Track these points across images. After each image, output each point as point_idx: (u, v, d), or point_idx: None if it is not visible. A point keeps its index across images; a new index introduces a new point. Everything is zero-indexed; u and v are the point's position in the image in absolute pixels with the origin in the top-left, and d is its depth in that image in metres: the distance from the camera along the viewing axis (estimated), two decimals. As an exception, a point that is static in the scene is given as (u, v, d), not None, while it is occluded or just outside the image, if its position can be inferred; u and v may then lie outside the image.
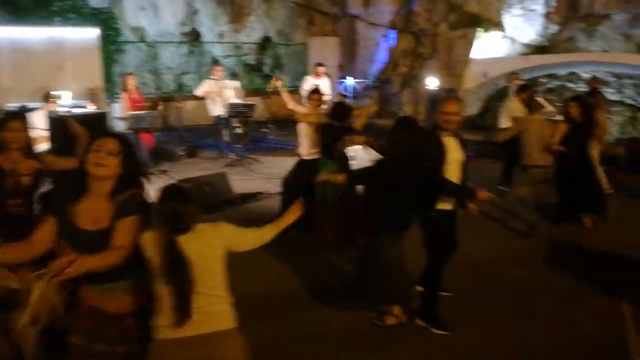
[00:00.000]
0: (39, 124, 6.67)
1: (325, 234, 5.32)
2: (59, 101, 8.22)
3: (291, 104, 7.02)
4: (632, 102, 14.62)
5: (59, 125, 6.04)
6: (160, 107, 9.98)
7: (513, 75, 11.70)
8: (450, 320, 4.11)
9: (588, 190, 6.28)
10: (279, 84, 6.49)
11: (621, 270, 5.17)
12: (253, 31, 16.95)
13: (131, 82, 9.01)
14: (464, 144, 4.21)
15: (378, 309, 4.16)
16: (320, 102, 6.43)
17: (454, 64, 14.25)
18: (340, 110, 5.67)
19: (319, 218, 5.30)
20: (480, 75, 14.00)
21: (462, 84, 14.13)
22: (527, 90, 7.99)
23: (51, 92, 7.85)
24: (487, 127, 13.97)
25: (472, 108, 14.46)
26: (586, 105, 6.35)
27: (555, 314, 4.41)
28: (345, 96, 14.84)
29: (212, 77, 10.12)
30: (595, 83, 10.34)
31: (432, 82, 11.36)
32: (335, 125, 5.55)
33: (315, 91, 6.54)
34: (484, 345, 3.92)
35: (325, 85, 10.74)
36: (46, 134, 6.66)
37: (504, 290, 4.83)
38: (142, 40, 16.23)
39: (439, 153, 4.00)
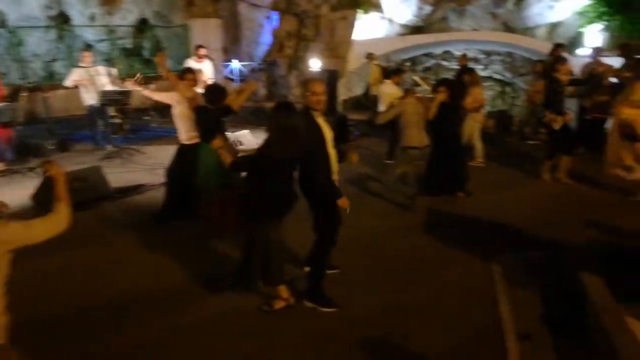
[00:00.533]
0: None
1: (222, 221, 5.04)
2: None
3: (146, 92, 6.77)
4: (501, 77, 15.80)
5: None
6: (22, 98, 9.04)
7: (369, 55, 11.92)
8: (338, 297, 4.17)
9: (458, 166, 6.83)
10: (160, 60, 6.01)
11: (491, 236, 5.57)
12: (128, 13, 15.93)
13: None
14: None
15: (267, 292, 4.11)
16: (195, 82, 6.16)
17: (337, 46, 14.43)
18: (214, 92, 5.47)
19: (204, 205, 5.08)
20: (362, 56, 14.33)
21: (346, 65, 14.39)
22: (400, 73, 8.30)
23: None
24: (371, 107, 14.42)
25: (357, 88, 14.82)
26: (453, 88, 6.75)
27: (435, 279, 4.63)
28: (231, 79, 14.52)
29: (81, 64, 9.37)
30: (464, 60, 10.98)
31: (315, 64, 11.41)
32: (210, 108, 5.35)
33: (188, 70, 6.26)
34: (372, 315, 4.02)
35: (207, 68, 10.42)
36: None
37: (388, 261, 5.01)
38: (1, 25, 14.63)
39: (319, 134, 4.00)
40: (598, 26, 13.59)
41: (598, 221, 5.76)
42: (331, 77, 10.10)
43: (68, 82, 9.28)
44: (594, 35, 13.82)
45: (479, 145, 8.29)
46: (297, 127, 3.74)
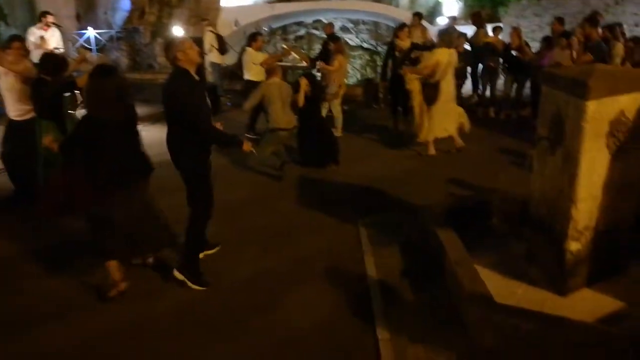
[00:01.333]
0: None
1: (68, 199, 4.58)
2: None
3: None
4: (369, 46, 16.31)
5: None
6: None
7: (203, 21, 11.65)
8: (207, 268, 4.08)
9: (326, 139, 6.95)
10: None
11: (358, 201, 5.74)
12: (-44, -27, 13.84)
13: None
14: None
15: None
16: (26, 52, 5.51)
17: (205, 12, 13.84)
18: (49, 62, 4.93)
19: (49, 184, 4.56)
20: (232, 24, 13.93)
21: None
22: (256, 38, 8.12)
23: None
24: (242, 76, 14.11)
25: (229, 57, 14.39)
26: (312, 81, 6.99)
27: (305, 244, 4.67)
28: (88, 49, 13.35)
29: None
30: (330, 29, 11.06)
31: (178, 31, 10.83)
32: (48, 80, 4.81)
33: (14, 38, 5.55)
34: (240, 286, 3.98)
35: (55, 36, 9.43)
36: None
37: (258, 230, 5.00)
38: None
39: (200, 91, 3.83)
40: (454, -4, 14.48)
41: (462, 180, 6.15)
42: (197, 45, 9.61)
43: None
44: (451, 5, 14.73)
45: (339, 116, 8.38)
46: (114, 90, 3.50)
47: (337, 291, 3.94)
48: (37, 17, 10.37)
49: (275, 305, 3.78)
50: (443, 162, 7.05)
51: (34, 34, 9.24)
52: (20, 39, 5.61)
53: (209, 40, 10.87)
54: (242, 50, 13.61)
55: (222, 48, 10.97)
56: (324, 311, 3.70)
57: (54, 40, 9.27)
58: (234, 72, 14.35)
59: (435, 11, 15.28)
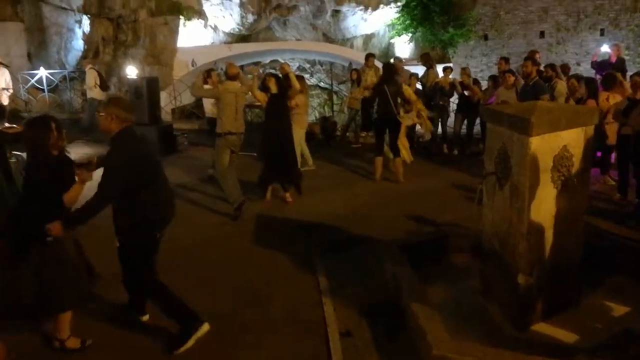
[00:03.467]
0: None
1: None
2: None
3: None
4: (325, 86, 16.58)
5: None
6: None
7: (85, 59, 12.20)
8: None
9: (286, 165, 6.92)
10: None
11: (317, 237, 5.69)
12: None
13: None
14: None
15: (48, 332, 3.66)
16: None
17: (160, 52, 13.83)
18: None
19: None
20: (188, 64, 13.93)
21: (171, 73, 13.84)
22: (212, 72, 8.17)
23: None
24: (202, 116, 14.06)
25: (184, 97, 14.34)
26: (280, 80, 7.08)
27: (261, 285, 4.56)
28: (40, 89, 13.09)
29: None
30: (285, 69, 11.16)
31: (132, 71, 10.76)
32: None
33: None
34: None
35: (4, 76, 9.21)
36: None
37: (209, 271, 4.89)
38: None
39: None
40: (405, 37, 14.99)
41: (418, 215, 6.19)
42: (152, 85, 9.57)
43: None
44: (403, 46, 15.21)
45: (306, 150, 8.47)
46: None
47: (293, 334, 3.84)
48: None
49: (229, 348, 3.65)
50: (400, 196, 7.14)
51: (-20, 74, 9.01)
52: None
53: (93, 77, 11.17)
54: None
55: (104, 85, 11.45)
56: (278, 354, 3.61)
57: (2, 80, 9.04)
58: (192, 111, 14.31)
59: (388, 52, 15.73)
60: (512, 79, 8.11)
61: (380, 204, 6.89)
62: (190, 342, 3.60)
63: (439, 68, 10.74)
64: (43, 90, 13.21)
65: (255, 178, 7.01)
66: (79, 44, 14.24)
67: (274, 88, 6.84)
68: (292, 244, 5.50)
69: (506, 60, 9.42)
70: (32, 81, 13.09)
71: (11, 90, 9.34)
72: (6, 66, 9.53)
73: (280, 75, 7.42)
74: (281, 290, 4.51)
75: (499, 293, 3.84)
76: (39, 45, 14.17)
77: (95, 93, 11.12)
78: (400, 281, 3.97)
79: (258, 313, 4.15)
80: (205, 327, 3.67)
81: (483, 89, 9.64)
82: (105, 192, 3.41)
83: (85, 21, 13.85)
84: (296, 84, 7.21)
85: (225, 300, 4.35)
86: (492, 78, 9.24)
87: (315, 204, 6.80)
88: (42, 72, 12.83)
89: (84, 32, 13.94)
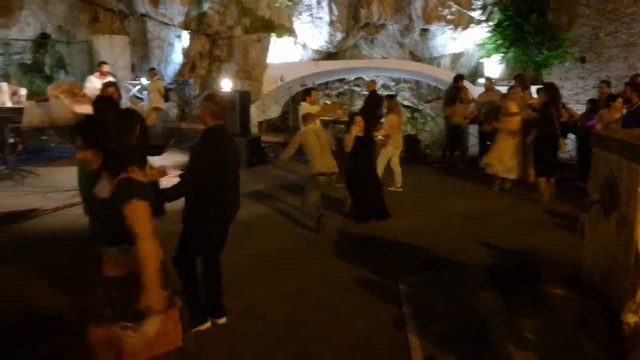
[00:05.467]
0: None
1: None
2: None
3: None
4: (409, 104, 16.48)
5: None
6: None
7: (151, 71, 12.52)
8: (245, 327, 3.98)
9: (375, 193, 6.85)
10: None
11: (399, 258, 5.60)
12: (27, 27, 14.92)
13: None
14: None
15: None
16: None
17: (252, 68, 14.40)
18: (102, 103, 4.87)
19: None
20: (277, 79, 14.39)
21: (260, 87, 14.37)
22: (309, 92, 8.33)
23: None
24: (287, 129, 14.45)
25: (272, 111, 14.83)
26: (368, 121, 7.03)
27: (343, 301, 4.56)
28: (140, 99, 13.99)
29: (-22, 79, 8.61)
30: (372, 86, 11.26)
31: (226, 85, 11.27)
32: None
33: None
34: (273, 341, 3.87)
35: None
36: None
37: (293, 284, 4.89)
38: None
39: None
40: (496, 57, 14.60)
41: (509, 239, 5.98)
42: (244, 98, 9.98)
43: None
44: (493, 66, 14.83)
45: (397, 170, 8.42)
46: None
47: (375, 355, 3.78)
48: (95, 67, 11.05)
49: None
50: (490, 219, 6.93)
51: (91, 82, 9.78)
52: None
53: (159, 88, 11.77)
54: (287, 104, 14.08)
55: (167, 95, 12.07)
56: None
57: (109, 89, 9.76)
58: (277, 124, 14.75)
59: (477, 71, 15.39)
60: (621, 103, 7.61)
61: (469, 226, 6.70)
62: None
63: (532, 90, 10.35)
64: (142, 99, 14.13)
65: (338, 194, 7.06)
66: (177, 58, 15.13)
67: (359, 130, 6.74)
68: (374, 262, 5.44)
69: (607, 83, 8.93)
70: (134, 91, 14.05)
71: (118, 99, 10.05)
72: (114, 76, 10.31)
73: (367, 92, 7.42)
74: (361, 308, 4.46)
75: (597, 330, 3.62)
76: (142, 58, 15.21)
77: (161, 102, 11.79)
78: (490, 310, 3.85)
79: (336, 329, 4.11)
80: (207, 324, 3.89)
81: (579, 112, 9.19)
82: (185, 179, 3.70)
83: (185, 36, 14.72)
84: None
85: (300, 310, 4.35)
86: (591, 102, 8.78)
87: (400, 223, 6.73)
88: (144, 82, 13.75)
89: (183, 47, 14.80)
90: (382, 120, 8.53)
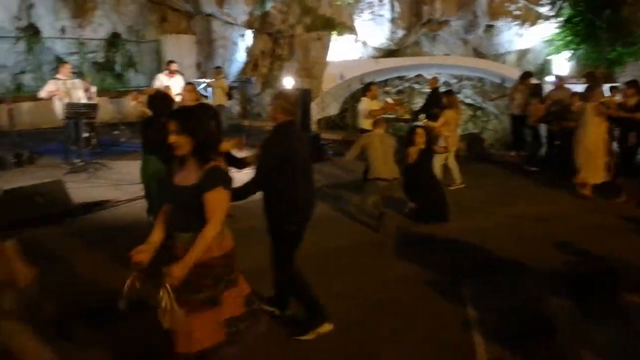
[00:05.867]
0: None
1: None
2: None
3: None
4: (472, 102, 16.08)
5: None
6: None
7: (216, 69, 12.76)
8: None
9: (433, 198, 6.74)
10: None
11: (461, 260, 5.50)
12: (100, 27, 15.74)
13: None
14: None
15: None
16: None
17: (312, 66, 14.50)
18: (157, 101, 5.11)
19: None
20: (337, 77, 14.43)
21: (320, 85, 14.45)
22: (369, 88, 8.28)
23: None
24: (346, 127, 14.49)
25: (331, 108, 14.89)
26: (429, 135, 7.05)
27: (404, 300, 4.53)
28: (205, 96, 14.40)
29: (57, 76, 9.15)
30: (435, 83, 11.10)
31: (288, 83, 11.42)
32: (156, 119, 4.98)
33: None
34: (339, 339, 3.88)
35: (178, 84, 10.30)
36: None
37: (354, 282, 4.89)
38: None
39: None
40: (565, 54, 13.98)
41: (580, 244, 5.75)
42: (304, 96, 10.10)
43: (43, 93, 9.07)
44: (562, 63, 14.22)
45: (454, 168, 8.28)
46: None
47: (440, 356, 3.73)
48: (164, 65, 11.49)
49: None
50: (559, 222, 6.67)
51: (159, 80, 10.18)
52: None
53: (223, 86, 12.04)
54: (346, 102, 14.10)
55: (230, 94, 12.33)
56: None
57: (177, 87, 10.12)
58: (336, 122, 14.81)
59: (544, 69, 14.81)
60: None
61: (536, 229, 6.45)
62: (311, 336, 3.77)
63: (605, 88, 9.87)
64: (206, 97, 14.55)
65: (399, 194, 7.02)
66: (240, 57, 15.47)
67: (422, 143, 6.74)
68: (436, 262, 5.37)
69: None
70: (199, 88, 14.49)
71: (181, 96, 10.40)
72: (181, 74, 10.69)
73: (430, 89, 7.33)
74: (423, 308, 4.41)
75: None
76: (207, 57, 15.67)
77: (224, 100, 12.05)
78: (560, 315, 3.71)
79: (397, 328, 4.08)
80: (327, 326, 3.82)
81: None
82: (256, 176, 3.73)
83: (248, 35, 15.03)
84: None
85: (360, 309, 4.32)
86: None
87: (462, 225, 6.59)
88: (208, 80, 14.16)
89: (246, 46, 15.12)
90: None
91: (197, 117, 2.67)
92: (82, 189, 7.62)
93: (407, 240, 6.15)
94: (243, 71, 15.34)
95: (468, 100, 16.09)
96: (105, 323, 3.93)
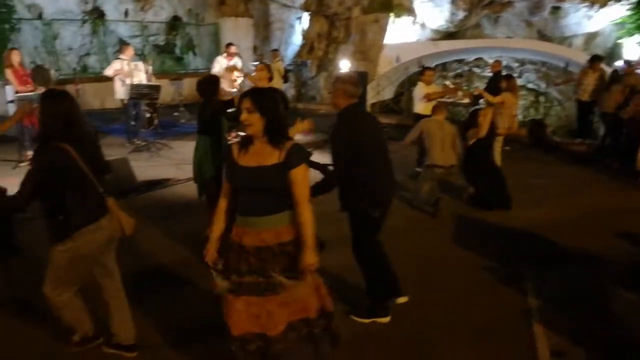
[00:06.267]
0: None
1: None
2: None
3: None
4: (534, 87, 15.47)
5: None
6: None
7: (273, 52, 12.35)
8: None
9: (494, 183, 6.58)
10: None
11: (523, 249, 5.36)
12: (161, 10, 16.13)
13: (16, 58, 8.13)
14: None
15: None
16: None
17: (368, 48, 14.34)
18: (205, 84, 5.07)
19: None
20: (393, 60, 14.20)
21: (376, 68, 14.28)
22: (427, 70, 8.10)
23: None
24: (400, 111, 14.28)
25: (386, 92, 14.70)
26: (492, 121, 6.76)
27: (462, 289, 4.45)
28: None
29: (121, 56, 9.48)
30: (498, 67, 10.74)
31: (344, 66, 11.34)
32: (208, 100, 5.01)
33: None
34: (398, 327, 3.87)
35: (237, 66, 10.43)
36: None
37: (410, 273, 4.83)
38: (39, 18, 14.96)
39: None
40: (637, 38, 13.19)
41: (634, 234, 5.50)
42: (361, 79, 10.01)
43: (109, 71, 9.41)
44: (633, 47, 13.43)
45: (498, 153, 7.89)
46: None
47: (499, 347, 3.63)
48: (222, 48, 11.66)
49: (429, 349, 3.59)
50: (627, 216, 6.33)
51: (219, 63, 10.34)
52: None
53: (279, 69, 11.56)
54: (402, 85, 13.90)
55: (286, 76, 11.97)
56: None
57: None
58: (390, 106, 14.62)
59: (613, 53, 14.03)
60: None
61: (601, 220, 6.17)
62: (367, 320, 3.80)
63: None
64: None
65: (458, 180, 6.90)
66: (297, 40, 15.49)
67: (485, 124, 6.54)
68: (495, 251, 5.24)
69: None
70: (253, 73, 14.64)
71: (242, 77, 10.53)
72: (239, 57, 10.82)
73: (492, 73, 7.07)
74: (482, 295, 4.32)
75: None
76: (264, 39, 15.79)
77: (280, 83, 11.89)
78: (628, 309, 3.55)
79: (455, 314, 4.01)
80: (385, 319, 3.80)
81: None
82: (335, 170, 3.65)
83: (305, 18, 15.01)
84: None
85: (418, 294, 4.22)
86: None
87: (523, 213, 6.36)
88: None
89: (302, 29, 15.11)
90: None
91: (270, 96, 2.66)
92: (144, 167, 7.89)
93: (465, 226, 6.02)
94: (299, 54, 15.37)
95: (530, 85, 15.50)
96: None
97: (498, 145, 7.76)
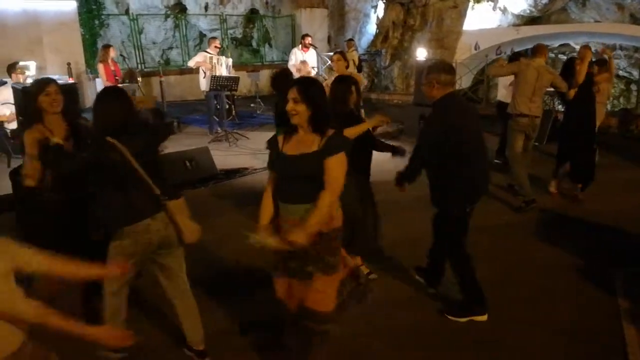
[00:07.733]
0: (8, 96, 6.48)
1: None
2: (27, 72, 7.96)
3: None
4: (625, 75, 14.46)
5: (25, 96, 5.44)
6: (139, 80, 9.66)
7: (349, 42, 11.91)
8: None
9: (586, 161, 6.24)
10: None
11: (613, 244, 5.05)
12: (239, 3, 16.53)
13: (111, 54, 8.72)
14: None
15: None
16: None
17: (445, 36, 13.97)
18: (279, 78, 5.07)
19: None
20: (471, 47, 13.76)
21: (453, 56, 13.89)
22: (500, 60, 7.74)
23: (20, 63, 7.61)
24: (479, 100, 13.81)
25: (463, 81, 14.26)
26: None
27: (550, 286, 4.27)
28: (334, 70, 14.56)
29: (208, 50, 9.83)
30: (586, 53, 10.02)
31: (421, 54, 11.11)
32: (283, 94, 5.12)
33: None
34: (485, 327, 3.78)
35: (312, 57, 10.51)
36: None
37: (495, 266, 4.67)
38: (126, 13, 15.83)
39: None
40: None
41: None
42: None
43: (191, 62, 9.81)
44: None
45: None
46: None
47: (589, 349, 3.44)
48: (298, 40, 11.76)
49: (514, 351, 3.47)
50: None
51: (295, 55, 10.46)
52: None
53: (354, 59, 11.15)
54: (480, 73, 13.42)
55: (359, 66, 11.42)
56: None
57: (311, 61, 10.35)
58: (468, 95, 14.16)
59: None
60: None
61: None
62: (463, 319, 3.66)
63: None
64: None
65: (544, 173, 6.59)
66: (371, 29, 15.35)
67: (582, 71, 5.90)
68: (581, 247, 4.95)
69: None
70: (330, 62, 14.69)
71: (316, 70, 10.61)
72: (315, 48, 10.88)
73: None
74: (568, 295, 4.11)
75: None
76: (338, 30, 15.77)
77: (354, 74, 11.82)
78: None
79: (539, 313, 3.84)
80: (483, 317, 3.66)
81: None
82: (416, 154, 3.61)
83: (380, 6, 14.83)
84: None
85: (500, 292, 4.07)
86: None
87: (609, 206, 6.01)
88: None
89: (377, 17, 14.95)
90: None
91: (316, 87, 2.65)
92: (223, 156, 8.16)
93: (549, 220, 5.76)
94: (373, 43, 15.23)
95: (621, 73, 14.50)
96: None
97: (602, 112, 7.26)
